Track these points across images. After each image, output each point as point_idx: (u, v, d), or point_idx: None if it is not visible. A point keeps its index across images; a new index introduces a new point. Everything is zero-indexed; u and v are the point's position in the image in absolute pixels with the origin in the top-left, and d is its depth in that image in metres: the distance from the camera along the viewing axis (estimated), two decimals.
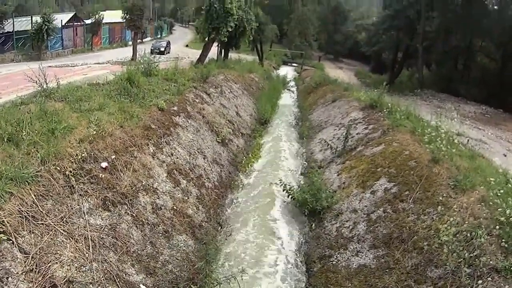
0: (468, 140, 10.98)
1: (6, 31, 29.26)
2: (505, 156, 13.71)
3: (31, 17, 31.36)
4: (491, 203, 6.84)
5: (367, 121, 14.43)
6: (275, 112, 23.15)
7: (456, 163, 8.77)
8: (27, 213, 5.41)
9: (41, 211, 5.66)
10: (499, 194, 6.83)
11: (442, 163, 8.72)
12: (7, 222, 5.04)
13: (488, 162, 9.69)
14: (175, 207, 8.58)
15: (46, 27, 28.72)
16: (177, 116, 11.98)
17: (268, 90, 28.19)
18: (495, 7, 34.35)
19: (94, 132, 7.91)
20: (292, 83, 38.06)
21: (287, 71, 48.59)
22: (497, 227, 6.18)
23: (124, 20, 28.21)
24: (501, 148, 15.08)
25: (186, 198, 9.31)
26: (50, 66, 20.08)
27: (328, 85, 27.70)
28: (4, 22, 28.88)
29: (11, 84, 12.44)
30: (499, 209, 6.47)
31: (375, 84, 36.86)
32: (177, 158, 10.29)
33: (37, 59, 28.24)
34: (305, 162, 14.71)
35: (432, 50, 38.68)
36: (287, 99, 30.10)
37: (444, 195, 7.59)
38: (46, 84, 9.06)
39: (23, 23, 31.36)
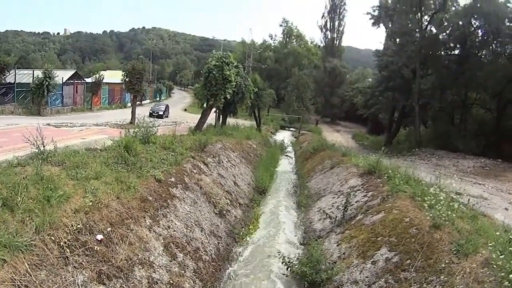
0: (468, 199, 11.36)
1: (7, 82, 30.25)
2: (507, 210, 14.03)
3: (33, 71, 32.58)
4: (494, 266, 7.03)
5: (366, 188, 14.88)
6: (273, 180, 23.59)
7: (457, 226, 9.04)
8: (20, 282, 5.58)
9: (35, 281, 5.83)
10: (502, 255, 7.06)
11: (444, 228, 8.97)
12: None
13: (490, 220, 9.97)
14: (171, 281, 8.73)
15: (47, 83, 29.63)
16: (175, 188, 12.41)
17: (266, 157, 29.05)
18: (488, 57, 35.70)
19: (90, 203, 8.19)
20: (290, 148, 39.08)
21: (284, 136, 50.19)
22: None
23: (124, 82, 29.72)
24: (502, 202, 15.41)
25: (183, 272, 9.47)
26: (48, 124, 20.96)
27: (326, 150, 28.64)
28: (6, 73, 29.81)
29: (9, 141, 13.00)
30: (502, 273, 6.68)
31: (373, 146, 37.97)
32: (174, 231, 10.58)
33: (37, 114, 29.39)
34: (304, 233, 14.83)
35: (428, 107, 40.16)
36: (285, 165, 30.81)
37: (446, 261, 7.78)
38: (44, 146, 9.42)
39: (24, 76, 32.61)
